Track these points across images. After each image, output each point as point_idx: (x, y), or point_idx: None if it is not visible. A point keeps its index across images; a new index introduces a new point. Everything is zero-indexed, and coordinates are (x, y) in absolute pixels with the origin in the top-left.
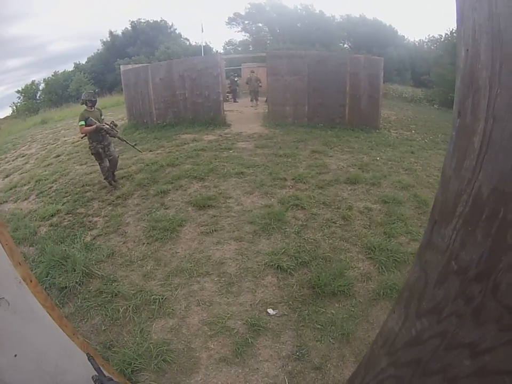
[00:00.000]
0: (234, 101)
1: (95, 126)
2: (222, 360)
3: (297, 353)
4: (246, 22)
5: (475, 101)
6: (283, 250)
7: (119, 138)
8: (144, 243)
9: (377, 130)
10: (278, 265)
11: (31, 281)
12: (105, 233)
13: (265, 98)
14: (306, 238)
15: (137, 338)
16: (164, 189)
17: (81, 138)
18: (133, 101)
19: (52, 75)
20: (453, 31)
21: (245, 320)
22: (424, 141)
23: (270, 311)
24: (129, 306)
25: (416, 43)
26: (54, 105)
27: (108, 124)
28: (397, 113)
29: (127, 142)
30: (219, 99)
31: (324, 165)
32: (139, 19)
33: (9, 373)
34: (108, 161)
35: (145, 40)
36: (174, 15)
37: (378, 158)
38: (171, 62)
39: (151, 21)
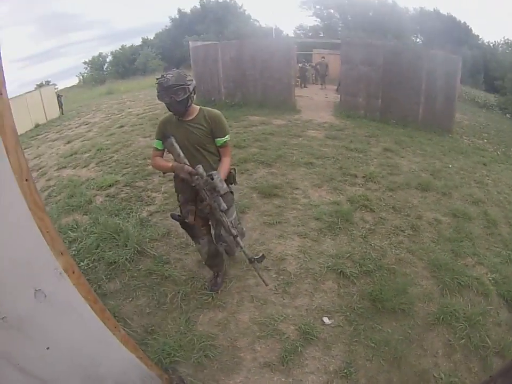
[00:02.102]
0: (304, 86)
1: (170, 165)
2: (267, 365)
3: (345, 371)
4: (317, 7)
5: None
6: (348, 254)
7: (219, 218)
8: None
9: (450, 135)
10: (340, 271)
11: (73, 272)
12: (163, 211)
13: (336, 86)
14: (372, 244)
15: (181, 328)
16: None
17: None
18: (201, 77)
19: (119, 48)
20: None
21: (298, 325)
22: (497, 153)
23: (326, 319)
24: (179, 292)
25: (491, 44)
26: (121, 77)
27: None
28: (469, 118)
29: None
30: (291, 83)
31: (396, 166)
32: None
33: (39, 365)
34: (208, 243)
35: (214, 19)
36: None
37: (450, 166)
38: (242, 42)
39: (221, 0)
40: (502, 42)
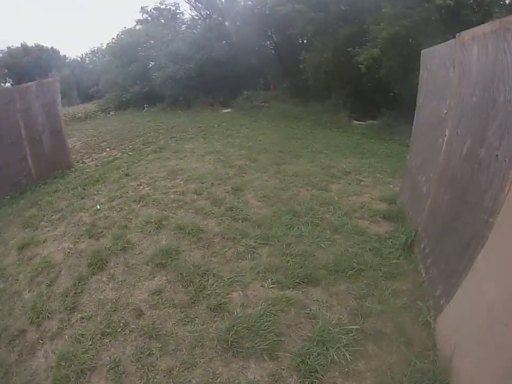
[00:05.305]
0: None
1: None
2: None
3: None
4: None
5: None
6: None
7: None
8: None
9: (73, 169)
10: None
11: None
12: None
13: None
14: None
15: None
16: None
17: None
18: None
19: None
20: (120, 33)
21: None
22: (127, 154)
23: None
24: None
25: (79, 59)
26: None
27: None
28: (79, 138)
29: None
30: None
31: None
32: None
33: None
34: None
35: None
36: None
37: (98, 207)
38: None
39: None
40: (88, 52)
